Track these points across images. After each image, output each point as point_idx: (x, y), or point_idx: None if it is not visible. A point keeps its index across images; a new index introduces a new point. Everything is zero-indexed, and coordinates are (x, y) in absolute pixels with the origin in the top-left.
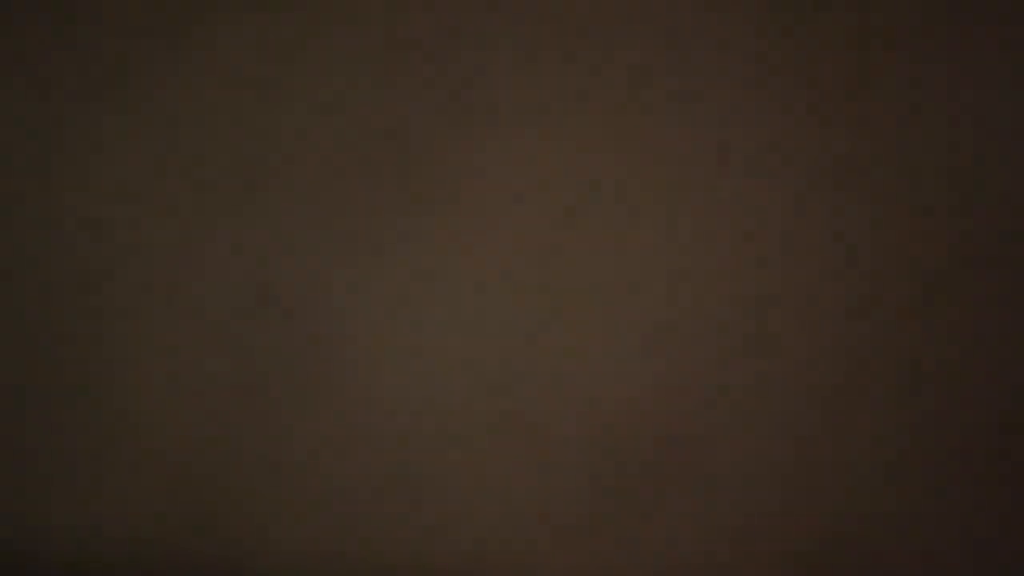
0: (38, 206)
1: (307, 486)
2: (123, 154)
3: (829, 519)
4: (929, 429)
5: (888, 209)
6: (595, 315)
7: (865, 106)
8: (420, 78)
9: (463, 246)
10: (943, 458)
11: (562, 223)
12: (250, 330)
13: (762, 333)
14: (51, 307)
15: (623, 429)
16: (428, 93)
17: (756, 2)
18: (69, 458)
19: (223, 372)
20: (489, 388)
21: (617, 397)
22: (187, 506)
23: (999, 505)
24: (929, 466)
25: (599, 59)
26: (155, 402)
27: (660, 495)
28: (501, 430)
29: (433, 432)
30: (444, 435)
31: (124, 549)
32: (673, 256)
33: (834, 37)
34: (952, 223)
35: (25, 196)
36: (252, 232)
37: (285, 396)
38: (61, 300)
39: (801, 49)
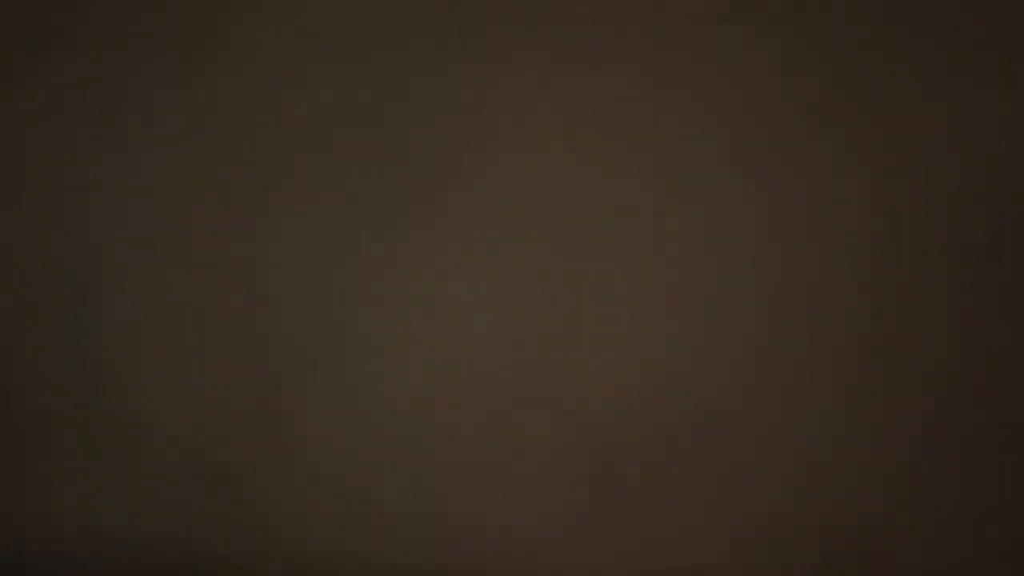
0: (40, 206)
1: (309, 485)
2: (126, 156)
3: (835, 519)
4: (943, 425)
5: (893, 208)
6: (595, 316)
7: (872, 109)
8: (423, 81)
9: (465, 247)
10: (952, 455)
11: (564, 225)
12: (254, 332)
13: (768, 331)
14: (52, 307)
15: (629, 429)
16: (431, 97)
17: (768, 8)
18: (71, 459)
19: (226, 374)
20: (489, 388)
21: (621, 397)
22: (190, 506)
23: (1011, 504)
24: (941, 463)
25: (601, 63)
26: (159, 404)
27: (663, 495)
28: (500, 429)
29: (434, 431)
30: (445, 434)
31: (127, 549)
32: (675, 256)
33: (844, 45)
34: (958, 222)
35: (27, 196)
36: (256, 234)
37: (287, 397)
38: (63, 300)
39: (807, 53)
